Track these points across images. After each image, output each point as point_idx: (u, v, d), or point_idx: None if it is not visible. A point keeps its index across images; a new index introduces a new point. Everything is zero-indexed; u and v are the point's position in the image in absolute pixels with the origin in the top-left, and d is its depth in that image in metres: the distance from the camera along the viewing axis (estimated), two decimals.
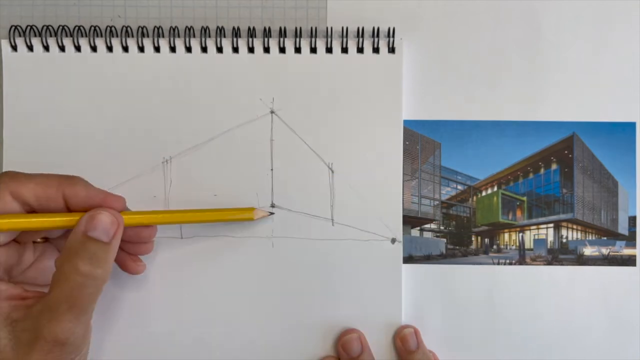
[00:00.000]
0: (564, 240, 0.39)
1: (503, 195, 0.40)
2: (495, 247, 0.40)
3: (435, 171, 0.40)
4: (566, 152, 0.39)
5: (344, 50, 0.38)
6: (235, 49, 0.38)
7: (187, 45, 0.38)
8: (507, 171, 0.39)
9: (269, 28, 0.38)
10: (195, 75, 0.38)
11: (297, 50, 0.38)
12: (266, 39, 0.38)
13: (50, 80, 0.38)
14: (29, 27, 0.37)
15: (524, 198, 0.40)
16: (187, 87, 0.38)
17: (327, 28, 0.38)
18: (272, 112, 0.38)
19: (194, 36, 0.38)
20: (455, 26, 0.39)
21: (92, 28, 0.38)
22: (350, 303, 0.38)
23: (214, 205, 0.37)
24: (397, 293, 0.38)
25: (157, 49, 0.38)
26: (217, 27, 0.38)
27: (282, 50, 0.38)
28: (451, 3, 0.39)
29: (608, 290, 0.39)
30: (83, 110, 0.38)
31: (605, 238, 0.39)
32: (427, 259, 0.39)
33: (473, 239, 0.40)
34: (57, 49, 0.38)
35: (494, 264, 0.39)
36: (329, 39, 0.38)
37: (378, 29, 0.38)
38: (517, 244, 0.40)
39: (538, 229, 0.40)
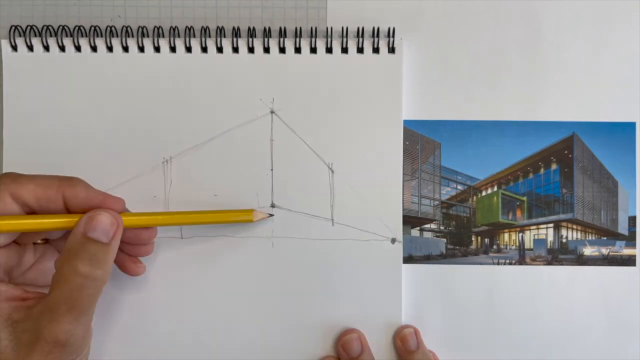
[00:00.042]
0: (564, 240, 0.39)
1: (503, 195, 0.40)
2: (495, 247, 0.40)
3: (435, 171, 0.40)
4: (566, 152, 0.39)
5: (344, 50, 0.38)
6: (235, 49, 0.38)
7: (187, 45, 0.38)
8: (507, 171, 0.39)
9: (269, 28, 0.38)
10: (195, 75, 0.38)
11: (297, 50, 0.38)
12: (266, 39, 0.38)
13: (50, 80, 0.38)
14: (29, 27, 0.37)
15: (524, 198, 0.40)
16: (187, 87, 0.38)
17: (327, 28, 0.38)
18: (272, 112, 0.38)
19: (194, 36, 0.38)
20: (455, 26, 0.39)
21: (92, 28, 0.38)
22: (350, 303, 0.38)
23: (214, 206, 0.37)
24: (397, 293, 0.38)
25: (157, 49, 0.38)
26: (217, 27, 0.38)
27: (282, 50, 0.38)
28: (451, 3, 0.39)
29: (608, 290, 0.39)
30: (83, 110, 0.38)
31: (605, 238, 0.39)
32: (427, 259, 0.39)
33: (473, 239, 0.40)
34: (57, 49, 0.38)
35: (494, 264, 0.39)
36: (329, 39, 0.38)
37: (378, 29, 0.38)
38: (517, 244, 0.40)
39: (538, 229, 0.40)
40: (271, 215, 0.38)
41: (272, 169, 0.38)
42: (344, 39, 0.38)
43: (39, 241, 0.34)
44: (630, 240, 0.39)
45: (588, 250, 0.39)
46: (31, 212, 0.31)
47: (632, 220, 0.39)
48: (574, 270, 0.39)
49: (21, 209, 0.30)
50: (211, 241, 0.38)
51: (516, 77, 0.39)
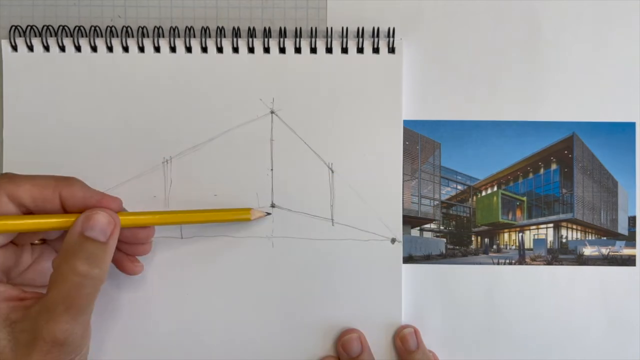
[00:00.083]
0: (564, 240, 0.40)
1: (503, 195, 0.40)
2: (495, 247, 0.40)
3: (435, 171, 0.40)
4: (566, 152, 0.39)
5: (344, 50, 0.38)
6: (235, 49, 0.38)
7: (187, 45, 0.38)
8: (507, 171, 0.39)
9: (269, 28, 0.38)
10: (195, 75, 0.38)
11: (297, 50, 0.38)
12: (266, 39, 0.38)
13: (50, 80, 0.38)
14: (29, 27, 0.37)
15: (524, 198, 0.40)
16: (187, 87, 0.38)
17: (327, 28, 0.38)
18: (272, 112, 0.38)
19: (194, 36, 0.38)
20: (455, 26, 0.39)
21: (92, 28, 0.38)
22: (350, 303, 0.38)
23: (214, 206, 0.37)
24: (397, 293, 0.38)
25: (157, 49, 0.38)
26: (217, 27, 0.38)
27: (282, 50, 0.38)
28: (451, 3, 0.39)
29: (608, 290, 0.39)
30: (83, 110, 0.38)
31: (605, 238, 0.39)
32: (427, 259, 0.39)
33: (473, 239, 0.40)
34: (57, 49, 0.38)
35: (494, 264, 0.39)
36: (329, 39, 0.38)
37: (378, 29, 0.38)
38: (517, 243, 0.40)
39: (538, 229, 0.40)
40: (268, 213, 0.38)
41: (272, 169, 0.38)
42: (344, 39, 0.38)
43: (37, 242, 0.34)
44: (630, 240, 0.39)
45: (588, 250, 0.39)
46: (28, 212, 0.31)
47: (632, 220, 0.39)
48: (574, 270, 0.39)
49: (18, 209, 0.30)
50: (211, 241, 0.38)
51: (516, 77, 0.39)
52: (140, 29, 0.38)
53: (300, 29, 0.38)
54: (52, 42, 0.38)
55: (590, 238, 0.40)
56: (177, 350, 0.38)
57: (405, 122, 0.39)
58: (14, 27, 0.37)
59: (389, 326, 0.38)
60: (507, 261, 0.39)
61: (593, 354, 0.38)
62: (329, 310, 0.38)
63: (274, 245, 0.38)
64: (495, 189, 0.40)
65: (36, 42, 0.38)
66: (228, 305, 0.38)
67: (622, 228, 0.39)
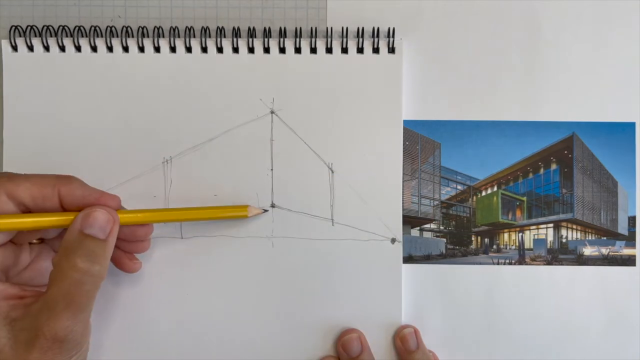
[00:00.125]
0: (564, 240, 0.40)
1: (503, 195, 0.40)
2: (495, 247, 0.40)
3: (435, 171, 0.40)
4: (566, 152, 0.39)
5: (344, 50, 0.38)
6: (236, 49, 0.38)
7: (187, 45, 0.38)
8: (507, 171, 0.39)
9: (269, 28, 0.38)
10: (195, 75, 0.38)
11: (297, 50, 0.38)
12: (266, 39, 0.38)
13: (50, 80, 0.38)
14: (29, 27, 0.37)
15: (524, 198, 0.40)
16: (187, 87, 0.38)
17: (327, 28, 0.38)
18: (272, 112, 0.38)
19: (194, 36, 0.38)
20: (455, 26, 0.39)
21: (93, 28, 0.38)
22: (350, 303, 0.38)
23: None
24: (397, 293, 0.38)
25: (157, 49, 0.38)
26: (217, 27, 0.38)
27: (282, 50, 0.38)
28: (451, 3, 0.39)
29: (608, 290, 0.39)
30: (83, 110, 0.38)
31: (605, 238, 0.39)
32: (427, 259, 0.39)
33: (473, 239, 0.40)
34: (57, 49, 0.38)
35: (493, 264, 0.39)
36: (329, 39, 0.38)
37: (378, 29, 0.38)
38: (517, 244, 0.40)
39: (538, 229, 0.40)
40: (265, 210, 0.38)
41: (272, 169, 0.38)
42: (344, 39, 0.38)
43: (34, 241, 0.34)
44: (630, 240, 0.39)
45: (588, 250, 0.39)
46: (27, 211, 0.31)
47: (631, 220, 0.39)
48: (574, 270, 0.39)
49: (17, 208, 0.30)
50: (211, 241, 0.38)
51: (516, 77, 0.39)
52: (140, 29, 0.38)
53: (300, 29, 0.38)
54: (52, 42, 0.38)
55: (590, 238, 0.40)
56: (177, 350, 0.38)
57: (405, 122, 0.39)
58: (14, 27, 0.37)
59: (389, 326, 0.38)
60: (507, 261, 0.39)
61: (593, 353, 0.39)
62: (329, 310, 0.38)
63: (274, 245, 0.38)
64: (495, 189, 0.40)
65: (36, 42, 0.38)
66: (228, 305, 0.38)
67: (622, 228, 0.39)
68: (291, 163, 0.38)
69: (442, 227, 0.40)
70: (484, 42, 0.39)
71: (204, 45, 0.38)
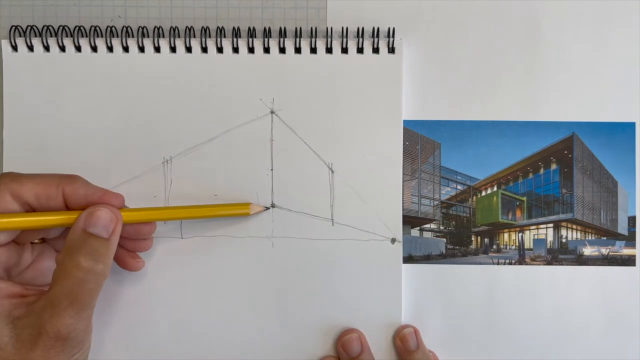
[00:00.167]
0: (564, 240, 0.40)
1: (503, 195, 0.40)
2: (495, 247, 0.40)
3: (435, 171, 0.40)
4: (566, 152, 0.39)
5: (344, 50, 0.38)
6: (235, 49, 0.38)
7: (188, 45, 0.38)
8: (507, 171, 0.39)
9: (269, 28, 0.38)
10: (195, 75, 0.38)
11: (297, 50, 0.38)
12: (266, 39, 0.38)
13: (51, 80, 0.38)
14: (29, 27, 0.37)
15: (524, 198, 0.40)
16: (187, 87, 0.38)
17: (327, 28, 0.38)
18: (272, 112, 0.38)
19: (194, 36, 0.38)
20: (455, 26, 0.39)
21: (93, 28, 0.38)
22: (350, 303, 0.38)
23: None
24: (397, 293, 0.38)
25: (157, 49, 0.38)
26: (217, 27, 0.38)
27: (282, 50, 0.38)
28: (451, 3, 0.39)
29: (607, 290, 0.39)
30: (83, 110, 0.38)
31: (604, 238, 0.39)
32: (427, 259, 0.39)
33: (473, 239, 0.40)
34: (57, 49, 0.38)
35: (493, 263, 0.39)
36: (329, 39, 0.38)
37: (378, 29, 0.38)
38: (517, 243, 0.40)
39: (538, 229, 0.40)
40: (267, 208, 0.38)
41: (272, 169, 0.38)
42: (344, 39, 0.38)
43: (36, 240, 0.34)
44: (630, 240, 0.39)
45: (588, 250, 0.39)
46: (31, 210, 0.31)
47: (631, 220, 0.39)
48: (574, 270, 0.39)
49: (21, 207, 0.30)
50: (211, 241, 0.38)
51: (516, 77, 0.39)
52: (140, 29, 0.38)
53: (300, 29, 0.38)
54: (52, 42, 0.38)
55: (590, 238, 0.40)
56: (176, 349, 0.38)
57: (405, 122, 0.39)
58: (14, 27, 0.37)
59: (389, 326, 0.38)
60: (507, 261, 0.39)
61: (593, 353, 0.39)
62: (329, 310, 0.38)
63: (274, 245, 0.38)
64: (495, 189, 0.40)
65: (36, 42, 0.38)
66: (228, 305, 0.38)
67: (622, 228, 0.39)
68: (291, 163, 0.38)
69: (442, 227, 0.40)
70: (484, 42, 0.39)
71: (204, 45, 0.38)
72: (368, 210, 0.38)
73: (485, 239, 0.40)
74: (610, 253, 0.39)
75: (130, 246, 0.35)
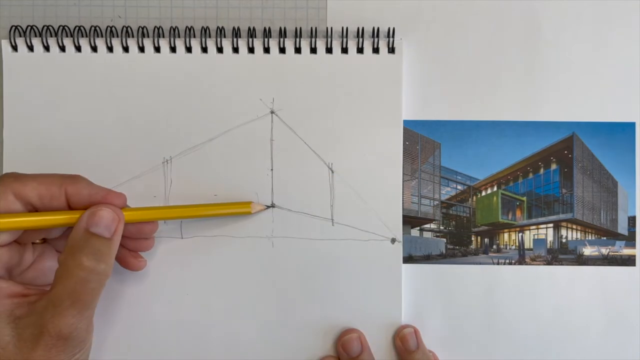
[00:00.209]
0: (564, 240, 0.40)
1: (503, 195, 0.40)
2: (495, 247, 0.40)
3: (435, 171, 0.40)
4: (566, 152, 0.39)
5: (344, 50, 0.38)
6: (235, 49, 0.38)
7: (188, 45, 0.38)
8: (507, 171, 0.39)
9: (269, 28, 0.38)
10: (195, 75, 0.38)
11: (297, 50, 0.38)
12: (266, 39, 0.38)
13: (51, 80, 0.38)
14: (29, 27, 0.37)
15: (524, 198, 0.40)
16: (187, 87, 0.38)
17: (327, 28, 0.38)
18: (272, 112, 0.38)
19: (194, 36, 0.38)
20: (455, 26, 0.39)
21: (93, 28, 0.38)
22: (350, 303, 0.38)
23: None
24: (397, 293, 0.38)
25: (157, 49, 0.38)
26: (218, 27, 0.38)
27: (282, 50, 0.38)
28: (451, 3, 0.39)
29: (607, 290, 0.39)
30: (83, 110, 0.38)
31: (604, 238, 0.39)
32: (427, 259, 0.39)
33: (473, 239, 0.40)
34: (57, 49, 0.38)
35: (493, 263, 0.39)
36: (329, 39, 0.38)
37: (378, 29, 0.38)
38: (517, 243, 0.40)
39: (538, 229, 0.40)
40: (268, 207, 0.38)
41: (272, 169, 0.38)
42: (344, 39, 0.38)
43: (37, 241, 0.34)
44: (630, 240, 0.39)
45: (588, 250, 0.39)
46: (34, 210, 0.31)
47: (631, 220, 0.39)
48: (574, 270, 0.39)
49: (24, 207, 0.30)
50: (211, 241, 0.38)
51: (516, 77, 0.39)
52: (140, 29, 0.38)
53: (300, 29, 0.38)
54: (52, 42, 0.38)
55: (590, 238, 0.40)
56: (176, 349, 0.38)
57: (405, 122, 0.39)
58: (14, 27, 0.37)
59: (389, 326, 0.38)
60: (507, 261, 0.39)
61: (593, 353, 0.39)
62: (329, 310, 0.38)
63: (274, 245, 0.38)
64: (495, 189, 0.40)
65: (36, 42, 0.38)
66: (228, 305, 0.38)
67: (622, 228, 0.39)
68: (291, 163, 0.38)
69: (442, 227, 0.40)
70: (484, 42, 0.39)
71: (204, 45, 0.38)
72: (368, 210, 0.38)
73: (485, 239, 0.40)
74: (610, 253, 0.39)
75: (132, 245, 0.35)
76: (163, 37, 0.38)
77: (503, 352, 0.39)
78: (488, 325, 0.39)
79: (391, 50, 0.38)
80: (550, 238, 0.40)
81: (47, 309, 0.28)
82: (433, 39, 0.39)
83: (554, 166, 0.39)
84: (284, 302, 0.38)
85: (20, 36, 0.38)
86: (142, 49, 0.38)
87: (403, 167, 0.38)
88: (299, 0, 0.39)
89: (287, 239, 0.38)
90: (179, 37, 0.38)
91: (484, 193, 0.40)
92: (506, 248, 0.40)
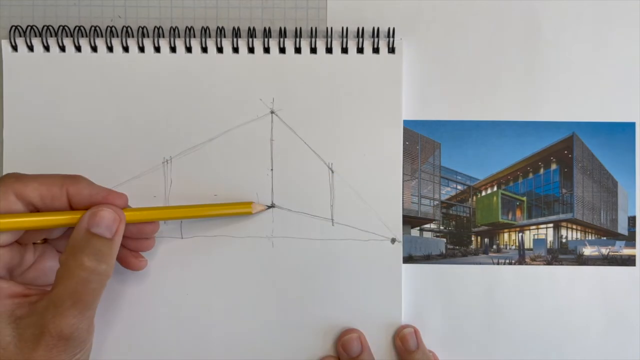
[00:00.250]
0: (564, 240, 0.40)
1: (503, 195, 0.40)
2: (495, 247, 0.40)
3: (435, 171, 0.40)
4: (566, 152, 0.39)
5: (344, 50, 0.38)
6: (236, 49, 0.38)
7: (188, 45, 0.38)
8: (507, 171, 0.39)
9: (269, 28, 0.38)
10: (195, 75, 0.38)
11: (297, 50, 0.38)
12: (266, 39, 0.38)
13: (51, 81, 0.38)
14: (29, 27, 0.37)
15: (524, 198, 0.40)
16: (187, 87, 0.38)
17: (327, 28, 0.38)
18: (272, 112, 0.38)
19: (194, 36, 0.38)
20: (455, 26, 0.39)
21: (93, 28, 0.38)
22: (350, 303, 0.38)
23: None
24: (397, 293, 0.38)
25: (157, 49, 0.38)
26: (218, 27, 0.38)
27: (282, 50, 0.38)
28: (451, 3, 0.39)
29: (607, 290, 0.39)
30: (83, 110, 0.38)
31: (604, 238, 0.39)
32: (427, 259, 0.39)
33: (473, 239, 0.40)
34: (57, 49, 0.38)
35: (493, 264, 0.39)
36: (329, 39, 0.38)
37: (378, 29, 0.38)
38: (517, 243, 0.40)
39: (538, 229, 0.40)
40: (269, 207, 0.38)
41: (272, 169, 0.38)
42: (344, 39, 0.38)
43: (38, 241, 0.34)
44: (630, 240, 0.39)
45: (588, 250, 0.39)
46: (35, 211, 0.31)
47: (631, 220, 0.39)
48: (574, 270, 0.39)
49: (25, 207, 0.30)
50: (211, 241, 0.38)
51: (516, 77, 0.39)
52: (140, 29, 0.38)
53: (300, 29, 0.38)
54: (52, 42, 0.38)
55: (590, 238, 0.40)
56: (176, 349, 0.38)
57: (405, 122, 0.39)
58: (14, 27, 0.37)
59: (389, 326, 0.38)
60: (507, 261, 0.39)
61: (593, 354, 0.39)
62: (329, 310, 0.38)
63: (274, 245, 0.38)
64: (495, 189, 0.40)
65: (36, 42, 0.38)
66: (228, 305, 0.38)
67: (622, 228, 0.39)
68: (291, 163, 0.38)
69: (442, 227, 0.40)
70: (484, 42, 0.39)
71: (204, 45, 0.38)
72: (368, 210, 0.38)
73: (485, 239, 0.40)
74: (610, 253, 0.39)
75: (133, 245, 0.35)
76: (163, 37, 0.38)
77: (503, 352, 0.39)
78: (488, 325, 0.39)
79: (391, 50, 0.38)
80: (550, 238, 0.40)
81: (48, 309, 0.28)
82: (433, 39, 0.39)
83: (554, 166, 0.39)
84: (284, 302, 0.38)
85: (20, 36, 0.38)
86: (142, 49, 0.38)
87: (403, 167, 0.38)
88: (299, 0, 0.39)
89: (287, 239, 0.38)
90: (179, 37, 0.38)
91: (484, 193, 0.40)
92: (506, 248, 0.40)
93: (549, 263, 0.39)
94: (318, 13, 0.39)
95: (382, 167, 0.38)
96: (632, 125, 0.39)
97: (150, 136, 0.38)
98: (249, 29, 0.38)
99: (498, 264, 0.39)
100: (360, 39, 0.38)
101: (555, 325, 0.39)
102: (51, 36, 0.38)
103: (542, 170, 0.40)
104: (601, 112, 0.39)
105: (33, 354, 0.28)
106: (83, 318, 0.29)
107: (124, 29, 0.38)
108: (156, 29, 0.38)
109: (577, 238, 0.40)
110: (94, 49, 0.38)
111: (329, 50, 0.38)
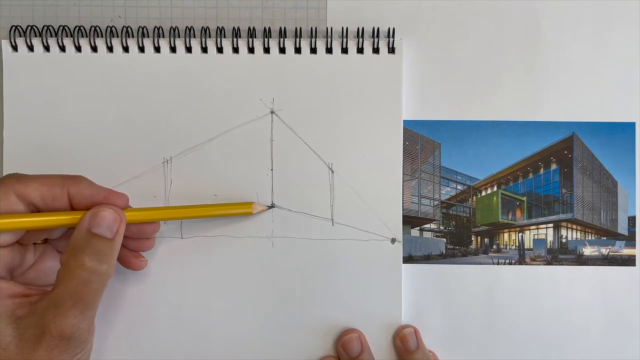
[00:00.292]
0: (564, 240, 0.40)
1: (503, 195, 0.40)
2: (495, 247, 0.40)
3: (435, 171, 0.40)
4: (566, 152, 0.39)
5: (344, 50, 0.38)
6: (236, 49, 0.38)
7: (188, 45, 0.38)
8: (506, 171, 0.39)
9: (269, 28, 0.38)
10: (195, 75, 0.38)
11: (297, 50, 0.38)
12: (266, 39, 0.38)
13: (51, 80, 0.38)
14: (29, 27, 0.37)
15: (524, 198, 0.40)
16: (187, 87, 0.38)
17: (327, 28, 0.38)
18: (272, 112, 0.38)
19: (194, 36, 0.38)
20: (455, 26, 0.39)
21: (93, 28, 0.38)
22: (350, 303, 0.38)
23: None
24: (397, 293, 0.38)
25: (157, 49, 0.38)
26: (218, 27, 0.38)
27: (282, 50, 0.38)
28: (451, 3, 0.39)
29: (607, 290, 0.39)
30: (83, 110, 0.38)
31: (604, 238, 0.39)
32: (427, 259, 0.39)
33: (473, 239, 0.40)
34: (57, 49, 0.38)
35: (493, 263, 0.39)
36: (329, 39, 0.38)
37: (378, 29, 0.38)
38: (517, 244, 0.40)
39: (538, 229, 0.40)
40: (270, 207, 0.38)
41: (272, 169, 0.38)
42: (344, 39, 0.38)
43: (39, 241, 0.34)
44: (629, 240, 0.39)
45: (588, 250, 0.39)
46: (36, 211, 0.31)
47: (631, 220, 0.39)
48: (574, 270, 0.39)
49: (26, 208, 0.30)
50: (211, 241, 0.38)
51: (516, 77, 0.39)
52: (140, 29, 0.38)
53: (300, 29, 0.38)
54: (52, 42, 0.38)
55: (590, 238, 0.40)
56: (176, 349, 0.38)
57: (405, 122, 0.39)
58: (14, 27, 0.37)
59: (389, 326, 0.38)
60: (507, 261, 0.39)
61: (593, 353, 0.39)
62: (329, 310, 0.38)
63: (274, 245, 0.38)
64: (495, 189, 0.40)
65: (36, 42, 0.38)
66: (228, 305, 0.38)
67: (622, 228, 0.39)
68: (291, 163, 0.38)
69: (442, 227, 0.40)
70: (484, 42, 0.39)
71: (204, 45, 0.38)
72: (368, 210, 0.38)
73: (485, 239, 0.40)
74: (610, 253, 0.39)
75: (134, 245, 0.35)
76: (163, 37, 0.38)
77: (503, 352, 0.39)
78: (488, 325, 0.39)
79: (391, 50, 0.38)
80: (550, 238, 0.40)
81: (48, 309, 0.28)
82: (433, 39, 0.39)
83: (554, 166, 0.39)
84: (284, 302, 0.38)
85: (20, 36, 0.38)
86: (142, 49, 0.38)
87: (403, 167, 0.38)
88: (299, 0, 0.39)
89: (287, 239, 0.38)
90: (179, 37, 0.38)
91: (484, 193, 0.40)
92: (506, 248, 0.40)
93: (549, 263, 0.39)
94: (318, 13, 0.39)
95: (382, 167, 0.38)
96: (632, 125, 0.39)
97: (150, 136, 0.38)
98: (249, 29, 0.38)
99: (498, 264, 0.39)
100: (360, 39, 0.38)
101: (555, 325, 0.39)
102: (51, 36, 0.38)
103: (542, 170, 0.40)
104: (601, 112, 0.39)
105: (34, 354, 0.28)
106: (84, 318, 0.29)
107: (124, 29, 0.38)
108: (156, 29, 0.38)
109: (577, 238, 0.40)
110: (94, 49, 0.38)
111: (329, 50, 0.38)
